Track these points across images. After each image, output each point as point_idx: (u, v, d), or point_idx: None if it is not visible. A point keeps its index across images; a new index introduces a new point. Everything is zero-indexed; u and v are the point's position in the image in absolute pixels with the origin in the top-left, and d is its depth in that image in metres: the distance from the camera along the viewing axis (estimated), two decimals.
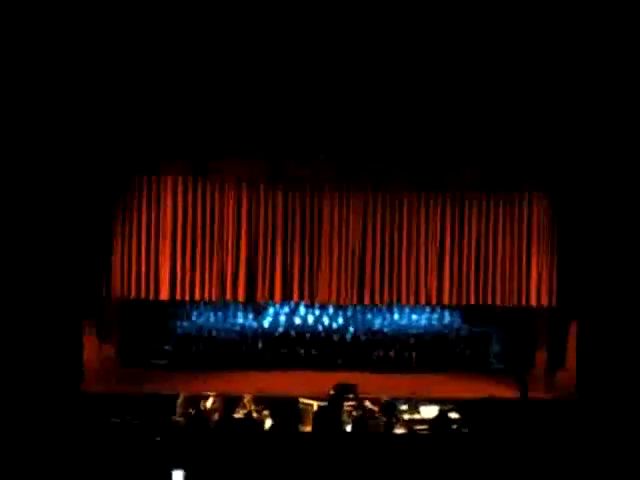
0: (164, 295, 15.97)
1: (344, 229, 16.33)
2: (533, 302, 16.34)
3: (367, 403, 12.80)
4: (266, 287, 16.26)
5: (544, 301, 16.27)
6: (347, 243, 16.35)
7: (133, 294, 15.90)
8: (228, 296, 16.30)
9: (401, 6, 14.01)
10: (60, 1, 13.58)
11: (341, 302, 16.69)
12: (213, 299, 16.46)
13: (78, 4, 13.63)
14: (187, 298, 16.18)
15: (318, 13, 13.93)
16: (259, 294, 16.33)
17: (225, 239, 16.12)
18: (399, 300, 16.63)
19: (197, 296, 16.16)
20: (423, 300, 16.60)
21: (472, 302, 16.46)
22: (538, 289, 16.27)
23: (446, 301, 16.54)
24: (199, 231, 16.01)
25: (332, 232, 16.30)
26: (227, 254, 16.12)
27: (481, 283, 16.35)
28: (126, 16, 13.86)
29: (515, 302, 16.39)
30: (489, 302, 16.42)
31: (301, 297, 16.49)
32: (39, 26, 13.71)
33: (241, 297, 16.38)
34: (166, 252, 15.87)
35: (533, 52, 14.47)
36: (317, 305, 18.13)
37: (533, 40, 14.30)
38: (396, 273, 16.40)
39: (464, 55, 14.54)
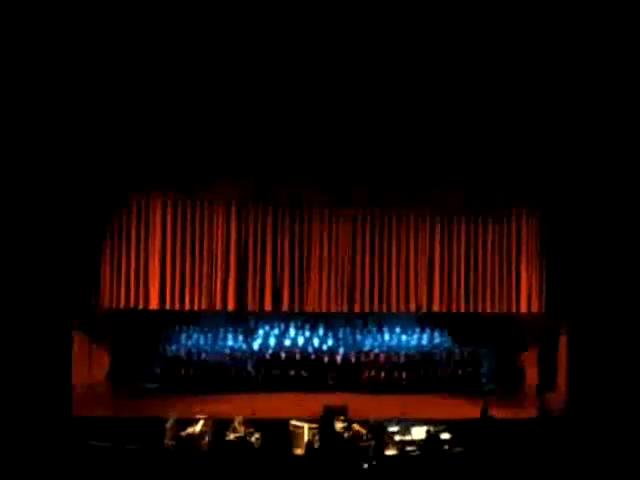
0: (154, 304, 15.96)
1: (334, 239, 16.41)
2: (523, 309, 16.41)
3: (357, 425, 12.76)
4: (256, 296, 16.29)
5: (534, 307, 16.33)
6: (337, 252, 16.42)
7: (123, 303, 15.88)
8: (218, 305, 16.28)
9: (382, 38, 14.10)
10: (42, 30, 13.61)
11: (331, 310, 16.67)
12: (203, 308, 16.40)
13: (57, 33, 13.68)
14: (177, 307, 16.15)
15: (304, 36, 14.00)
16: (249, 303, 16.33)
17: (215, 250, 16.17)
18: (389, 308, 16.64)
19: (187, 306, 16.15)
20: (413, 308, 16.64)
21: (462, 310, 16.52)
22: (528, 296, 16.33)
23: (436, 308, 16.59)
24: (188, 243, 16.07)
25: (322, 241, 16.37)
26: (217, 264, 16.16)
27: (471, 290, 16.43)
28: (115, 39, 13.90)
29: (505, 309, 16.46)
30: (479, 309, 16.48)
31: (291, 306, 16.51)
32: (26, 50, 13.76)
33: (231, 306, 16.36)
34: (155, 262, 15.92)
35: (519, 73, 14.56)
36: (307, 326, 18.17)
37: (519, 61, 14.39)
38: (386, 281, 16.48)
39: (451, 76, 14.63)
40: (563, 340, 16.16)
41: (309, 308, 16.64)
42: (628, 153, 14.93)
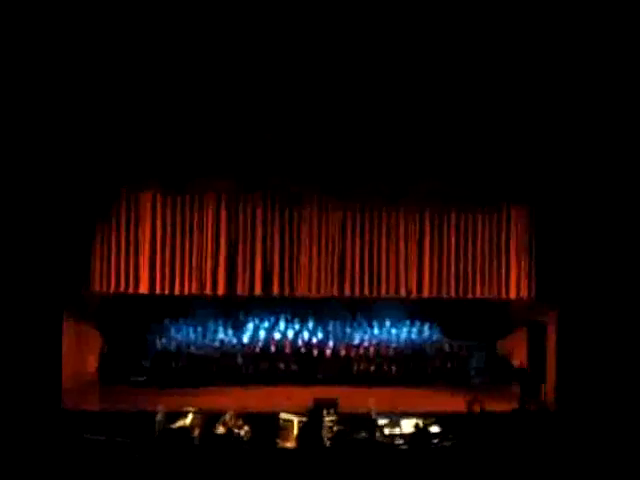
0: (144, 289, 15.86)
1: (323, 225, 16.27)
2: (513, 294, 16.39)
3: (347, 418, 12.77)
4: (246, 281, 16.15)
5: (523, 293, 16.32)
6: (326, 238, 16.29)
7: (113, 288, 15.80)
8: (208, 290, 16.10)
9: (372, 31, 14.11)
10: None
11: (321, 294, 16.53)
12: (193, 293, 16.22)
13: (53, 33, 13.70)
14: (167, 292, 15.97)
15: (294, 30, 14.01)
16: (239, 288, 16.21)
17: (205, 237, 16.00)
18: (379, 293, 16.55)
19: (177, 290, 15.96)
20: (403, 292, 16.48)
21: (452, 295, 16.42)
22: (517, 281, 16.33)
23: (426, 294, 16.45)
24: (178, 231, 15.90)
25: (311, 228, 16.22)
26: (206, 249, 16.00)
27: (461, 276, 16.36)
28: (107, 36, 13.89)
29: (495, 294, 16.44)
30: (469, 295, 16.41)
31: (281, 290, 16.32)
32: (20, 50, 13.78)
33: (221, 291, 16.21)
34: (145, 248, 15.75)
35: (511, 69, 14.58)
36: (297, 320, 18.18)
37: (513, 56, 14.41)
38: (376, 266, 16.35)
39: (445, 71, 14.62)
40: (552, 332, 16.19)
41: (299, 292, 16.47)
42: (614, 143, 15.01)
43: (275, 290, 16.28)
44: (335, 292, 16.46)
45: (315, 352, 17.59)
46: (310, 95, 14.89)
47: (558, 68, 14.51)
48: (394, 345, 17.83)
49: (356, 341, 17.87)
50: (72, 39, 13.79)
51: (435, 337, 18.28)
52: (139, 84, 14.60)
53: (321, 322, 18.26)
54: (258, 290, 16.23)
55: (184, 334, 17.93)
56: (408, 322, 18.47)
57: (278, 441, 12.30)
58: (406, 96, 14.98)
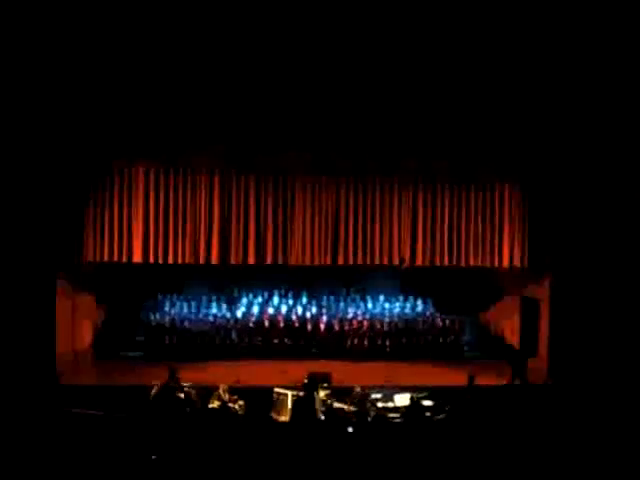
0: (137, 258, 15.87)
1: (317, 195, 16.30)
2: (505, 262, 16.48)
3: (341, 391, 12.84)
4: (240, 250, 16.17)
5: (516, 261, 16.42)
6: (320, 207, 16.30)
7: (106, 258, 15.83)
8: (201, 260, 16.13)
9: (369, 17, 14.09)
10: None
11: (315, 263, 16.53)
12: (186, 262, 16.21)
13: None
14: (160, 261, 16.02)
15: (289, 8, 13.98)
16: (233, 257, 16.22)
17: (198, 209, 16.02)
18: (372, 262, 16.56)
19: (170, 260, 16.00)
20: (397, 261, 16.53)
21: (445, 264, 16.53)
22: (510, 250, 16.41)
23: (420, 262, 16.54)
24: (171, 204, 15.93)
25: (305, 198, 16.26)
26: (200, 220, 16.04)
27: (454, 245, 16.43)
28: (98, 14, 13.85)
29: (488, 263, 16.52)
30: (462, 264, 16.48)
31: (275, 259, 16.34)
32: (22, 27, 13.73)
33: (214, 260, 16.21)
34: (139, 219, 15.80)
35: (502, 47, 14.57)
36: (290, 294, 18.22)
37: (502, 35, 14.40)
38: (369, 235, 16.41)
39: (438, 50, 14.60)
40: (544, 303, 16.29)
41: (293, 261, 16.46)
42: (604, 117, 15.10)
43: (268, 259, 16.29)
44: (328, 261, 16.47)
45: (309, 327, 17.66)
46: (304, 70, 14.84)
47: (549, 49, 14.52)
48: (387, 320, 17.88)
49: (349, 316, 17.93)
50: (66, 18, 13.73)
51: (428, 312, 18.35)
52: (132, 61, 14.56)
53: (315, 297, 18.32)
54: (251, 259, 16.24)
55: (178, 309, 17.97)
56: (401, 297, 18.54)
57: (272, 415, 12.37)
58: (401, 72, 14.97)
